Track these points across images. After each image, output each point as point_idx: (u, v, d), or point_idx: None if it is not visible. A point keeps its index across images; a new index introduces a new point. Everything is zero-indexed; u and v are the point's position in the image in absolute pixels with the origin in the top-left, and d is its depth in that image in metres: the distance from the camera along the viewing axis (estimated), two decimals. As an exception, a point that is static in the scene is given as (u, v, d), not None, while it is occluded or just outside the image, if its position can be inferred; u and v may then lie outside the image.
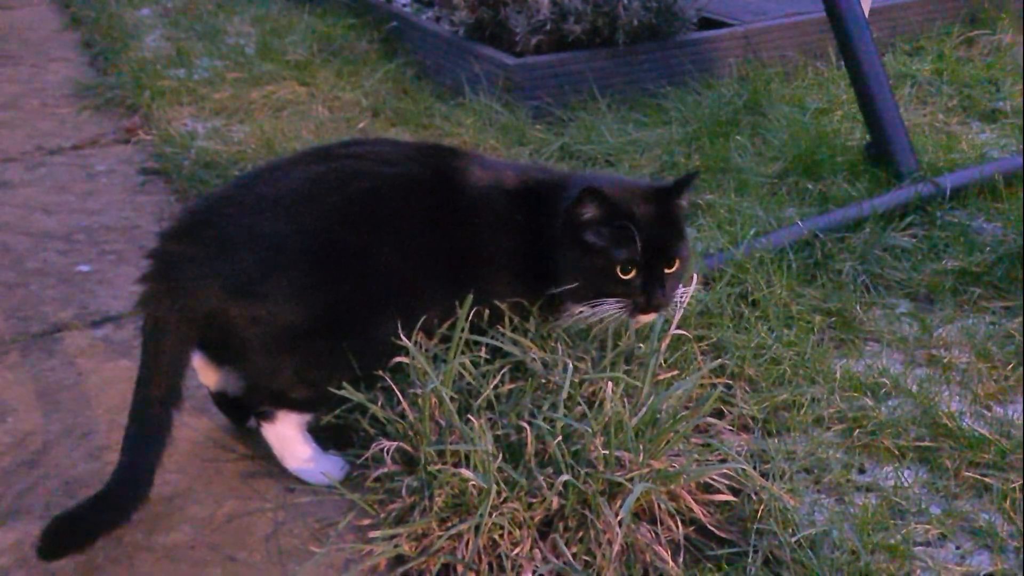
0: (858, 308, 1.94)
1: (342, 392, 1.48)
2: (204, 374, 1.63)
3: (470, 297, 1.51)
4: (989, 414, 1.67)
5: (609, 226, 1.52)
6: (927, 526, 1.43)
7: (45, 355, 1.92)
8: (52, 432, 1.69)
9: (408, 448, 1.47)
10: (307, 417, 1.56)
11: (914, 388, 1.71)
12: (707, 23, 3.29)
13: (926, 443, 1.59)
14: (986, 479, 1.51)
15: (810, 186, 2.39)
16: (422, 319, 1.53)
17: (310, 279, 1.48)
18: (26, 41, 4.18)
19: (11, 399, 1.78)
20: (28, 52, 4.01)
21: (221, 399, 1.67)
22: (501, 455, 1.42)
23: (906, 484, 1.51)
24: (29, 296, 2.14)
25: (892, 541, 1.39)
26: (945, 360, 1.80)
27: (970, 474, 1.53)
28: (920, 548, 1.40)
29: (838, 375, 1.74)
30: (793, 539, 1.39)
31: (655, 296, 1.53)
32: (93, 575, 1.39)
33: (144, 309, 1.47)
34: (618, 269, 1.52)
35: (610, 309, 1.54)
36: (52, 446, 1.65)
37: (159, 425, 1.46)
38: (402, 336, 1.49)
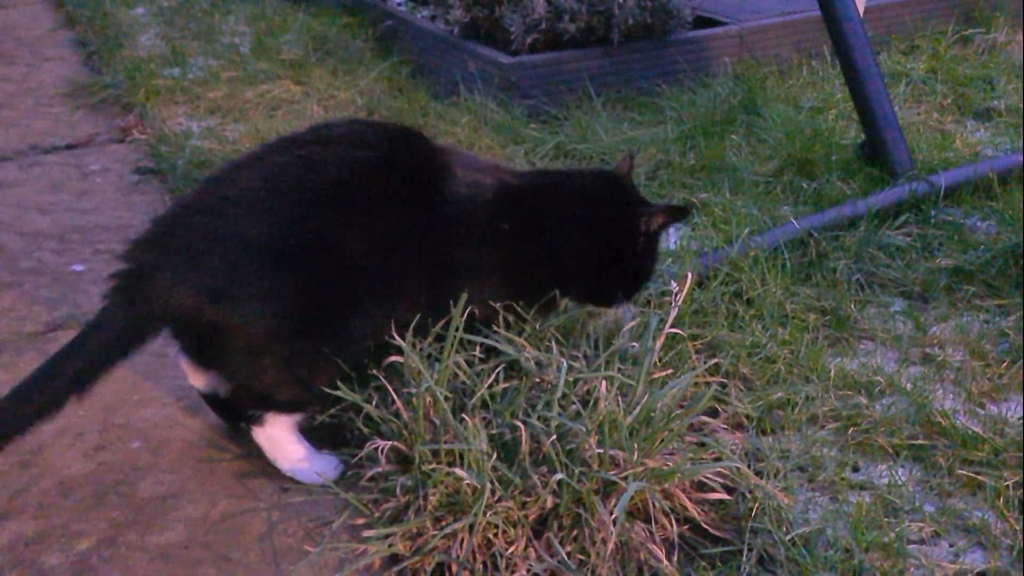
0: (852, 306, 1.94)
1: (336, 392, 1.48)
2: (193, 376, 1.62)
3: (464, 295, 1.50)
4: (983, 412, 1.67)
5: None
6: (921, 524, 1.44)
7: (39, 355, 1.90)
8: (46, 432, 1.67)
9: (402, 447, 1.47)
10: (297, 417, 1.55)
11: (908, 386, 1.72)
12: (702, 22, 3.29)
13: (920, 441, 1.59)
14: (980, 477, 1.51)
15: (805, 185, 2.39)
16: (403, 313, 1.52)
17: (280, 279, 1.46)
18: (20, 40, 4.17)
19: (5, 399, 1.77)
20: (22, 51, 4.00)
21: (213, 400, 1.66)
22: (496, 454, 1.41)
23: (900, 482, 1.52)
24: (23, 296, 2.13)
25: (886, 539, 1.39)
26: (939, 358, 1.80)
27: (964, 472, 1.53)
28: (914, 546, 1.40)
29: (832, 373, 1.74)
30: (787, 537, 1.39)
31: None
32: (87, 574, 1.39)
33: (113, 298, 1.46)
34: None
35: None
36: (45, 446, 1.65)
37: (49, 401, 1.44)
38: (395, 335, 1.49)
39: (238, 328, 1.45)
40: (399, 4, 3.83)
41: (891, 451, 1.59)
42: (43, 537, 1.45)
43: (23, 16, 4.56)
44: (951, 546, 1.42)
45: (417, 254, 1.55)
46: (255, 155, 1.59)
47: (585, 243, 1.66)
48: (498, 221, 1.60)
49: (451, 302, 1.51)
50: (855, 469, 1.57)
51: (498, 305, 1.60)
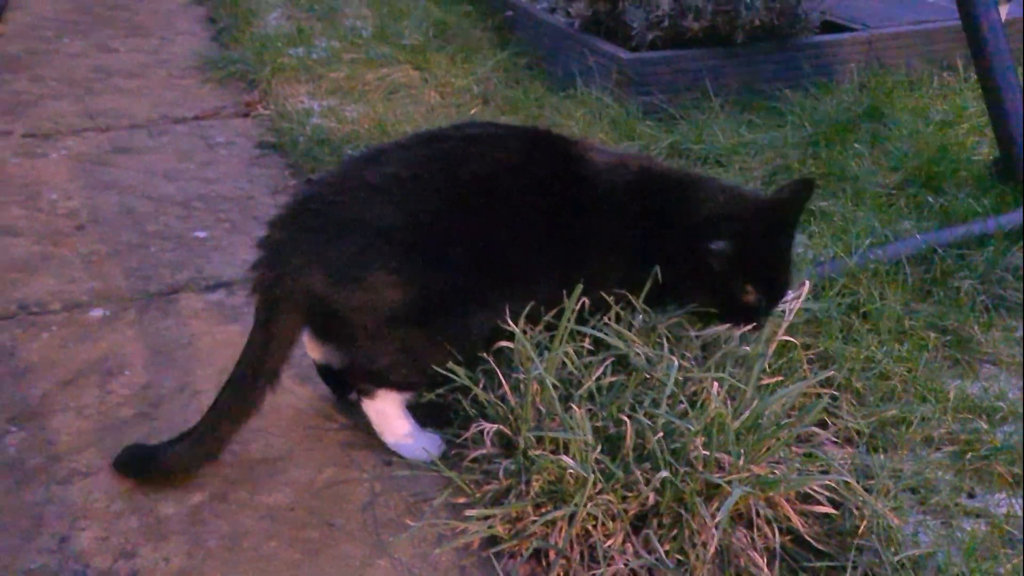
0: (976, 328, 1.86)
1: (446, 373, 1.50)
2: (310, 347, 1.67)
3: (579, 287, 1.50)
4: (1112, 448, 1.59)
5: None
6: (1039, 558, 1.37)
7: (161, 315, 2.00)
8: (166, 388, 1.76)
9: (507, 432, 1.48)
10: (407, 395, 1.58)
11: (1032, 415, 1.64)
12: (829, 26, 3.20)
13: (1043, 473, 1.53)
14: (1106, 516, 1.44)
15: (930, 199, 2.31)
16: (528, 307, 1.53)
17: (413, 266, 1.48)
18: (155, 13, 4.35)
19: (129, 354, 1.86)
20: (156, 24, 4.17)
21: (325, 371, 1.71)
22: (599, 446, 1.41)
23: (1019, 513, 1.45)
24: (148, 257, 2.23)
25: (1001, 571, 1.33)
26: (1067, 388, 1.72)
27: (1088, 508, 1.46)
28: (1031, 580, 1.35)
29: (951, 395, 1.68)
30: (895, 558, 1.35)
31: None
32: (198, 526, 1.45)
33: (256, 294, 1.52)
34: None
35: None
36: (165, 401, 1.72)
37: (248, 403, 1.51)
38: (508, 322, 1.50)
39: (363, 311, 1.48)
40: (519, -5, 3.85)
41: (1010, 480, 1.52)
42: (160, 487, 1.52)
43: (159, -10, 4.76)
44: (1070, 584, 1.35)
45: (549, 250, 1.56)
46: (400, 144, 1.63)
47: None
48: (637, 204, 1.59)
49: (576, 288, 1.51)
50: (971, 495, 1.51)
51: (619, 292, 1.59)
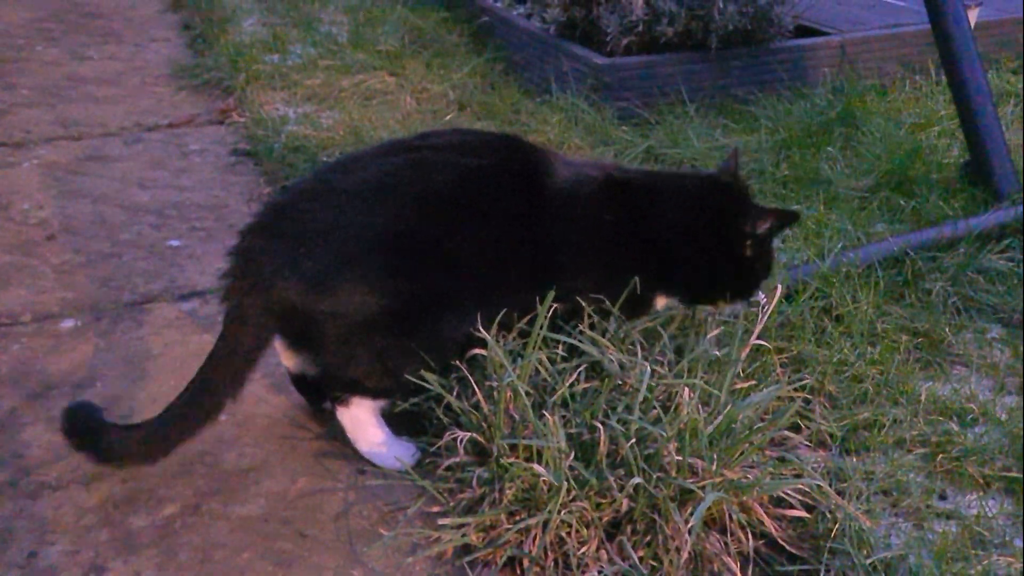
0: (947, 330, 1.88)
1: (419, 381, 1.50)
2: (284, 356, 1.66)
3: (551, 294, 1.51)
4: (1082, 448, 1.61)
5: None
6: (1010, 559, 1.38)
7: (134, 325, 1.98)
8: (138, 399, 1.74)
9: (481, 439, 1.48)
10: (381, 403, 1.58)
11: (1003, 416, 1.66)
12: (803, 31, 3.22)
13: (1013, 473, 1.54)
14: (1077, 515, 1.45)
15: (902, 202, 2.33)
16: (500, 314, 1.54)
17: (386, 273, 1.48)
18: (129, 20, 4.33)
19: (100, 365, 1.85)
20: (131, 31, 4.15)
21: (299, 380, 1.70)
22: (573, 453, 1.41)
23: (990, 514, 1.46)
24: (121, 267, 2.21)
25: (972, 572, 1.34)
26: (1037, 389, 1.74)
27: (1059, 509, 1.47)
28: (1001, 581, 1.36)
29: (923, 397, 1.69)
30: (867, 561, 1.35)
31: None
32: (170, 539, 1.44)
33: (226, 302, 1.51)
34: None
35: None
36: (138, 412, 1.70)
37: (207, 409, 1.49)
38: (480, 329, 1.50)
39: (336, 318, 1.47)
40: (495, 1, 3.85)
41: (982, 481, 1.54)
42: (131, 500, 1.51)
43: (133, -2, 4.74)
44: (1042, 584, 1.36)
45: (521, 257, 1.57)
46: (373, 152, 1.63)
47: (689, 240, 1.65)
48: (605, 211, 1.62)
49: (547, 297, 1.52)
50: (942, 497, 1.52)
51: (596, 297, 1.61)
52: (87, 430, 1.49)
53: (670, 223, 1.65)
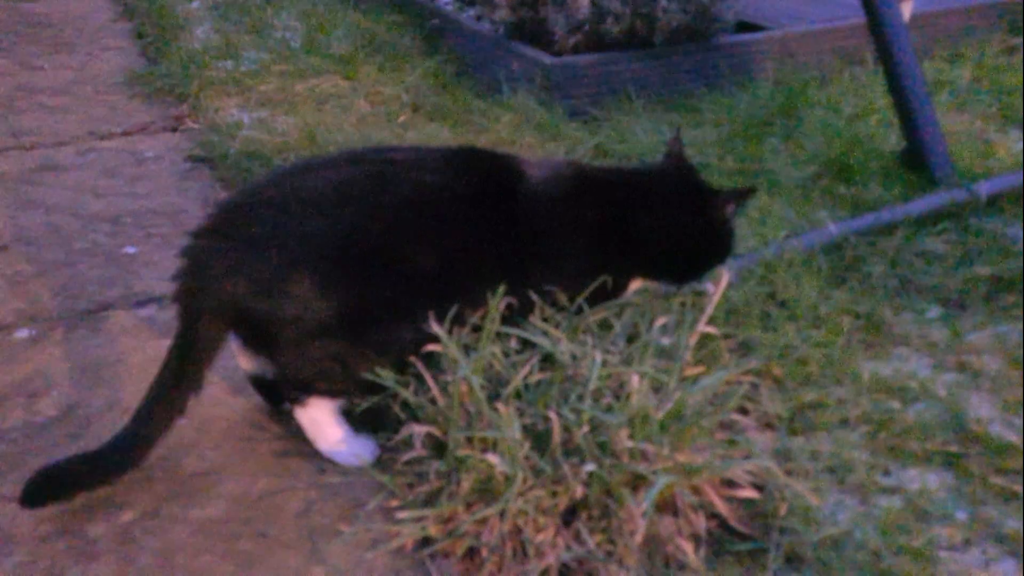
0: (888, 312, 1.94)
1: (374, 378, 1.52)
2: (242, 358, 1.67)
3: (501, 289, 1.54)
4: (1019, 421, 1.67)
5: None
6: (952, 531, 1.43)
7: (90, 333, 1.98)
8: (95, 407, 1.75)
9: (437, 433, 1.50)
10: (338, 401, 1.60)
11: (942, 393, 1.72)
12: (744, 27, 3.29)
13: (953, 448, 1.59)
14: (1014, 487, 1.51)
15: (843, 190, 2.39)
16: (454, 310, 1.56)
17: (337, 276, 1.50)
18: (81, 30, 4.29)
19: (56, 373, 1.84)
20: (83, 40, 4.11)
21: (258, 382, 1.71)
22: (528, 443, 1.44)
23: (931, 488, 1.52)
24: (77, 275, 2.21)
25: (916, 544, 1.39)
26: (975, 366, 1.80)
27: (997, 481, 1.52)
28: (944, 553, 1.40)
29: (865, 377, 1.74)
30: (815, 538, 1.40)
31: None
32: (129, 545, 1.44)
33: (177, 303, 1.52)
34: None
35: None
36: (94, 420, 1.71)
37: (171, 408, 1.52)
38: (434, 326, 1.52)
39: (287, 321, 1.49)
40: (446, 3, 3.88)
41: (923, 457, 1.59)
42: (89, 508, 1.51)
43: (84, 6, 4.69)
44: (983, 554, 1.41)
45: (488, 261, 1.60)
46: (328, 161, 1.66)
47: (666, 228, 1.74)
48: (584, 206, 1.68)
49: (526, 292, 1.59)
50: (886, 473, 1.58)
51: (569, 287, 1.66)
52: (55, 482, 1.48)
53: (648, 214, 1.72)
